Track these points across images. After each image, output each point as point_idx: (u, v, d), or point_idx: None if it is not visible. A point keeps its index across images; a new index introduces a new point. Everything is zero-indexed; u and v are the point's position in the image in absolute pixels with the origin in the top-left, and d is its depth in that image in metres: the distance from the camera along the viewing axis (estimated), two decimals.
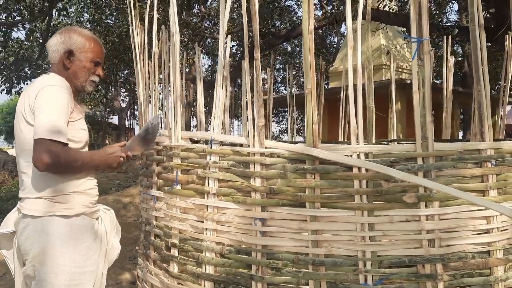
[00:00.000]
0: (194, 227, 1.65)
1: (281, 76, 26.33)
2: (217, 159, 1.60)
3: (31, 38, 9.36)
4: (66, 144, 1.47)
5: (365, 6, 1.46)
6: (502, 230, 1.43)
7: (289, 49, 22.38)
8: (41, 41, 10.53)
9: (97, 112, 25.69)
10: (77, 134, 1.58)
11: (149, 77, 2.14)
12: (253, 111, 1.52)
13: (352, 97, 1.41)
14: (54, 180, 1.50)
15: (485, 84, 1.44)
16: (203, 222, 1.62)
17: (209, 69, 21.03)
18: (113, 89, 19.74)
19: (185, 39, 9.98)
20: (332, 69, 12.99)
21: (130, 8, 2.16)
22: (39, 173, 1.47)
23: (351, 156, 1.40)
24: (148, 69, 2.18)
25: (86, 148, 1.69)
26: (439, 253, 1.38)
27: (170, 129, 1.78)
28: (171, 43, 1.84)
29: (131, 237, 5.13)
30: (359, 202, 1.40)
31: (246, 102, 1.73)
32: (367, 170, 1.38)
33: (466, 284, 1.40)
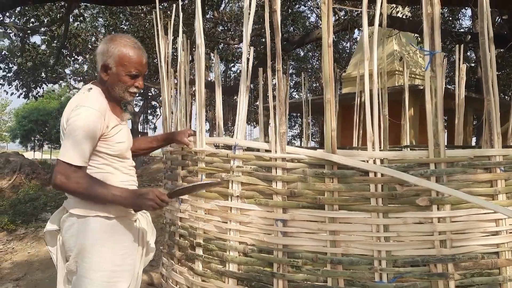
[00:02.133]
0: (218, 227, 1.76)
1: (293, 81, 26.37)
2: (241, 164, 1.70)
3: (52, 44, 9.61)
4: (80, 167, 1.52)
5: (380, 14, 1.55)
6: (510, 232, 1.51)
7: (302, 54, 22.47)
8: (58, 45, 10.80)
9: None
10: (113, 148, 1.64)
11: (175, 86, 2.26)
12: (275, 118, 1.63)
13: (369, 105, 1.51)
14: None
15: (494, 93, 1.53)
16: (227, 223, 1.73)
17: (222, 74, 21.21)
18: None
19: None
20: (345, 75, 13.06)
21: (157, 20, 2.29)
22: None
23: (367, 161, 1.49)
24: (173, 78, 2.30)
25: (129, 156, 1.74)
26: (451, 254, 1.46)
27: (195, 134, 1.90)
28: (196, 53, 1.96)
29: None
30: (374, 205, 1.49)
31: (264, 109, 1.84)
32: (382, 174, 1.48)
33: (476, 283, 1.48)
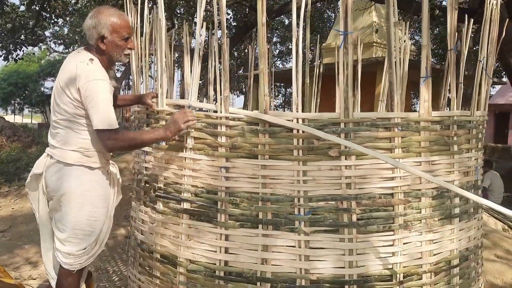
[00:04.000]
0: (175, 174, 2.12)
1: (277, 50, 26.30)
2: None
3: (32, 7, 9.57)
4: (118, 129, 1.88)
5: None
6: (403, 178, 1.90)
7: (287, 22, 22.40)
8: (37, 8, 10.73)
9: None
10: None
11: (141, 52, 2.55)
12: (220, 84, 1.97)
13: (294, 75, 1.86)
14: (88, 140, 1.93)
15: (396, 67, 1.89)
16: (182, 170, 2.09)
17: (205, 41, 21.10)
18: None
19: (181, 9, 10.19)
20: (325, 45, 13.28)
21: None
22: (77, 132, 1.89)
23: (292, 120, 1.86)
24: (141, 45, 2.59)
25: None
26: (354, 193, 1.86)
27: (157, 96, 2.22)
28: (158, 26, 2.25)
29: (126, 198, 5.63)
30: (296, 155, 1.87)
31: (245, 77, 2.17)
32: (303, 131, 1.85)
33: (373, 217, 1.89)
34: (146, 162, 2.32)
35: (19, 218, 5.94)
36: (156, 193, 2.19)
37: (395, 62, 1.94)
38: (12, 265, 4.01)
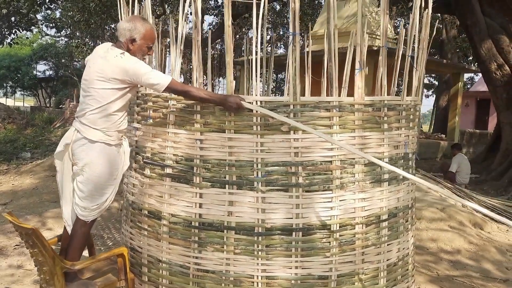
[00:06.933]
0: (160, 145, 2.61)
1: (268, 36, 26.49)
2: (175, 103, 2.53)
3: None
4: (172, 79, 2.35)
5: None
6: (340, 149, 2.41)
7: (278, 8, 22.62)
8: None
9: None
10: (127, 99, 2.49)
11: None
12: (196, 71, 2.45)
13: (254, 64, 2.34)
14: (111, 123, 2.42)
15: (335, 61, 2.38)
16: (165, 142, 2.58)
17: None
18: (100, 42, 20.11)
19: None
20: (312, 33, 13.68)
21: None
22: (104, 116, 2.38)
23: (251, 103, 2.35)
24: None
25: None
26: (300, 160, 2.37)
27: None
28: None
29: None
30: (256, 130, 2.36)
31: (236, 63, 2.64)
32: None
33: (316, 179, 2.39)
34: (136, 137, 2.80)
35: (20, 193, 6.42)
36: (144, 161, 2.68)
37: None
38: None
